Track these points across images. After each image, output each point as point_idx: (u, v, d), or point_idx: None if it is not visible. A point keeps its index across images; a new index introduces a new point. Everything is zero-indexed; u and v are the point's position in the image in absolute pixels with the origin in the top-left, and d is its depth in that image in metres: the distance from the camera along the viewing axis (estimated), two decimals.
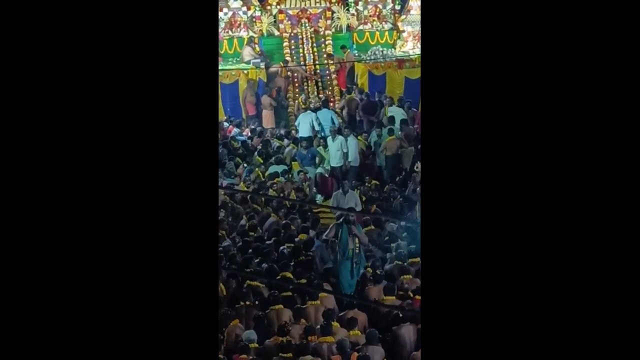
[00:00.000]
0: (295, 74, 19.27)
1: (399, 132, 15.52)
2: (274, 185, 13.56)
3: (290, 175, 14.27)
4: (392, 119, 15.80)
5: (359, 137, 15.62)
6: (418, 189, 12.76)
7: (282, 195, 13.24)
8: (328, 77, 19.44)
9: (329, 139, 15.12)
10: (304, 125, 16.37)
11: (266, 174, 14.39)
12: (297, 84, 19.17)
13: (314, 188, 14.39)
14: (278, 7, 20.84)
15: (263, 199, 12.93)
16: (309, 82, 19.33)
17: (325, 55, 19.81)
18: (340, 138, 14.88)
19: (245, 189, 13.60)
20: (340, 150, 14.83)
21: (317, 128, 16.27)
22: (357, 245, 10.73)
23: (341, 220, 10.85)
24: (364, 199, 13.16)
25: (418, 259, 10.41)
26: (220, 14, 19.97)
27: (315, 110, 16.93)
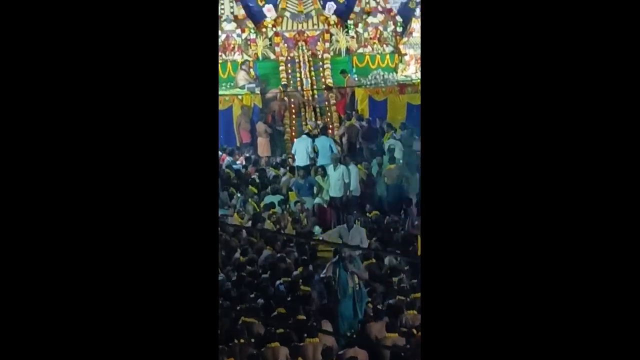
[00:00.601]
0: (292, 99, 19.40)
1: (400, 160, 15.62)
2: (270, 216, 13.62)
3: (287, 206, 14.36)
4: (392, 148, 15.90)
5: (359, 166, 15.70)
6: (417, 222, 12.84)
7: (278, 227, 13.30)
8: (326, 103, 19.58)
9: (330, 168, 15.14)
10: (300, 152, 16.46)
11: (261, 204, 14.48)
12: (294, 110, 19.31)
13: (312, 219, 14.47)
14: (274, 29, 21.02)
15: (258, 232, 12.98)
16: (307, 107, 19.48)
17: (324, 86, 19.92)
18: (341, 167, 14.95)
19: (240, 220, 13.66)
20: (341, 180, 14.86)
21: (311, 155, 16.36)
22: (357, 282, 10.66)
23: (337, 258, 10.78)
24: (364, 230, 13.23)
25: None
26: None
27: (313, 137, 17.05)
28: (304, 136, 17.03)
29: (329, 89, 19.67)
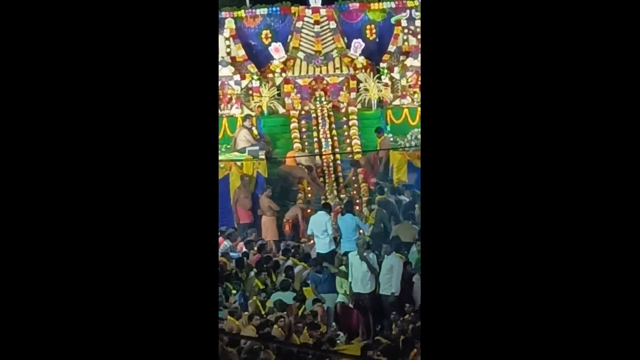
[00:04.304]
0: (309, 167, 19.50)
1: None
2: (280, 320, 13.63)
3: (302, 307, 14.43)
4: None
5: (398, 254, 15.38)
6: None
7: (289, 332, 13.29)
8: (352, 172, 19.62)
9: (353, 256, 14.99)
10: (318, 233, 16.54)
11: (268, 303, 14.55)
12: (310, 180, 19.35)
13: (334, 324, 14.51)
14: (283, 75, 21.32)
15: (261, 342, 12.98)
16: (327, 177, 19.61)
17: (351, 155, 19.99)
18: (371, 256, 14.82)
19: (239, 325, 13.67)
20: (368, 272, 14.71)
21: (329, 231, 16.42)
22: None
23: None
24: (402, 337, 13.22)
25: None
26: None
27: (334, 213, 17.17)
28: (321, 212, 17.02)
29: (355, 164, 19.71)
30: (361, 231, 16.76)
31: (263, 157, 19.55)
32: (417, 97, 21.08)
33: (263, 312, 14.21)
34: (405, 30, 21.67)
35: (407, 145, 19.62)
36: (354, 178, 19.61)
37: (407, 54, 21.47)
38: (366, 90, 21.25)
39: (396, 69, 21.33)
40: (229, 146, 20.14)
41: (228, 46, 21.31)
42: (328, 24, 21.61)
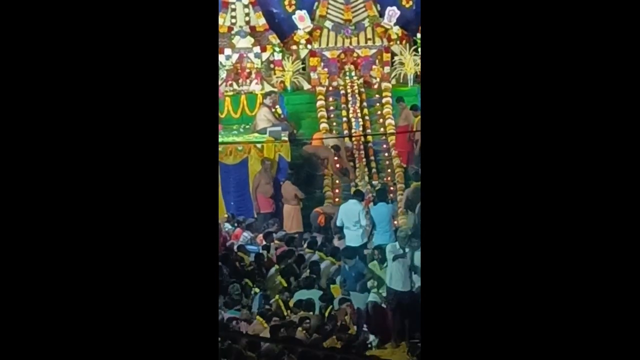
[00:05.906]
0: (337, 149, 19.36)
1: None
2: (303, 321, 13.57)
3: (329, 306, 14.33)
4: None
5: None
6: None
7: (314, 336, 13.24)
8: (386, 154, 19.59)
9: (390, 249, 14.86)
10: (348, 224, 16.43)
11: (291, 303, 14.45)
12: (337, 164, 19.22)
13: (365, 325, 14.36)
14: (309, 46, 21.19)
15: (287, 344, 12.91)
16: (358, 161, 19.45)
17: (383, 130, 19.88)
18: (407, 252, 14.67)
19: (264, 326, 13.62)
20: (406, 267, 14.60)
21: (362, 222, 16.27)
22: None
23: None
24: None
25: None
26: (221, 58, 20.29)
27: (366, 202, 17.02)
28: (353, 201, 16.88)
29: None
30: (396, 222, 16.65)
31: (286, 138, 19.47)
32: None
33: (286, 313, 14.13)
34: None
35: None
36: (387, 162, 19.49)
37: None
38: (401, 64, 21.15)
39: None
40: (248, 126, 20.13)
41: (247, 14, 21.17)
42: None
